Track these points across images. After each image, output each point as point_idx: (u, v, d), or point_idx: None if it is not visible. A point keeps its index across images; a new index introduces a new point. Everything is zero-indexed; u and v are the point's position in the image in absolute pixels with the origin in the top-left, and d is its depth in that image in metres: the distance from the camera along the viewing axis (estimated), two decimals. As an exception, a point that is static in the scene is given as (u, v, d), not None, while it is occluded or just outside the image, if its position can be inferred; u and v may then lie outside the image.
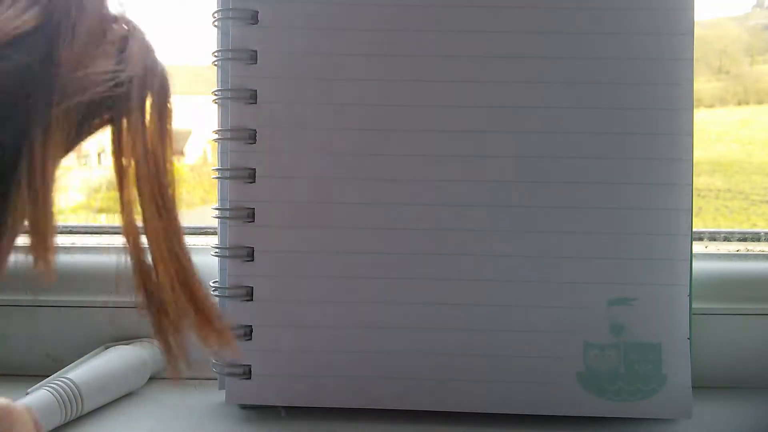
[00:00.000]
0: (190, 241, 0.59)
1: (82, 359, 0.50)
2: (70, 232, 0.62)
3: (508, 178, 0.46)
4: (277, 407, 0.47)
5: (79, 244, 0.57)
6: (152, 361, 0.53)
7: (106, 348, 0.52)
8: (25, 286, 0.55)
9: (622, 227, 0.46)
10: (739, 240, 0.59)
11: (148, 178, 0.24)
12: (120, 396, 0.50)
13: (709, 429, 0.47)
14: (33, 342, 0.55)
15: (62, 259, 0.59)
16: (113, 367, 0.50)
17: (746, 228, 0.65)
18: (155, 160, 0.24)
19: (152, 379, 0.53)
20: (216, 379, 0.51)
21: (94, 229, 0.62)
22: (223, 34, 0.48)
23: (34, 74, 0.21)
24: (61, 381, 0.46)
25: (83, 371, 0.48)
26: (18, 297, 0.55)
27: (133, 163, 0.24)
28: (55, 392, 0.45)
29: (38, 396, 0.45)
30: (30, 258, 0.23)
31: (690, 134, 0.46)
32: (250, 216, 0.47)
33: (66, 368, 0.49)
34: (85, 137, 0.24)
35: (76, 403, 0.46)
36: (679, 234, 0.46)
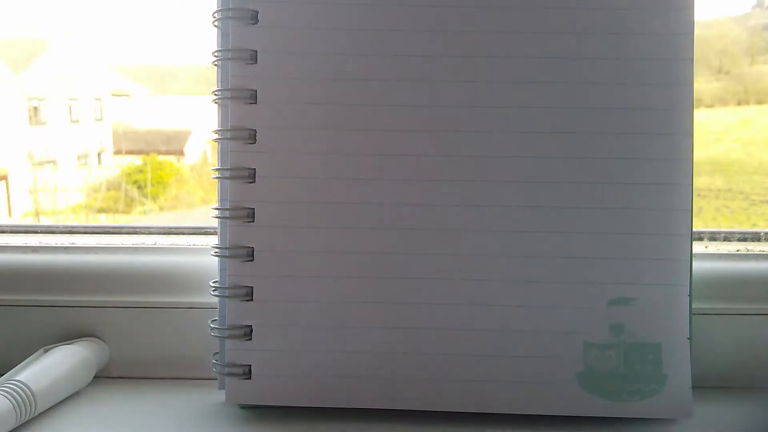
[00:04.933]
0: (190, 241, 0.59)
1: (25, 362, 0.50)
2: (71, 232, 0.62)
3: (507, 178, 0.46)
4: (277, 407, 0.47)
5: (79, 244, 0.57)
6: (97, 360, 0.53)
7: (45, 351, 0.52)
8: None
9: (622, 227, 0.46)
10: (739, 240, 0.58)
11: None
12: (67, 396, 0.50)
13: (709, 429, 0.47)
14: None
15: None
16: (62, 367, 0.50)
17: (746, 228, 0.65)
18: None
19: (97, 377, 0.53)
20: (216, 379, 0.51)
21: (94, 229, 0.62)
22: (223, 34, 0.48)
23: None
24: (14, 384, 0.46)
25: (33, 373, 0.48)
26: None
27: None
28: (9, 395, 0.45)
29: None
30: None
31: (690, 134, 0.46)
32: (250, 216, 0.47)
33: (12, 371, 0.48)
34: None
35: (30, 406, 0.46)
36: (679, 234, 0.46)
